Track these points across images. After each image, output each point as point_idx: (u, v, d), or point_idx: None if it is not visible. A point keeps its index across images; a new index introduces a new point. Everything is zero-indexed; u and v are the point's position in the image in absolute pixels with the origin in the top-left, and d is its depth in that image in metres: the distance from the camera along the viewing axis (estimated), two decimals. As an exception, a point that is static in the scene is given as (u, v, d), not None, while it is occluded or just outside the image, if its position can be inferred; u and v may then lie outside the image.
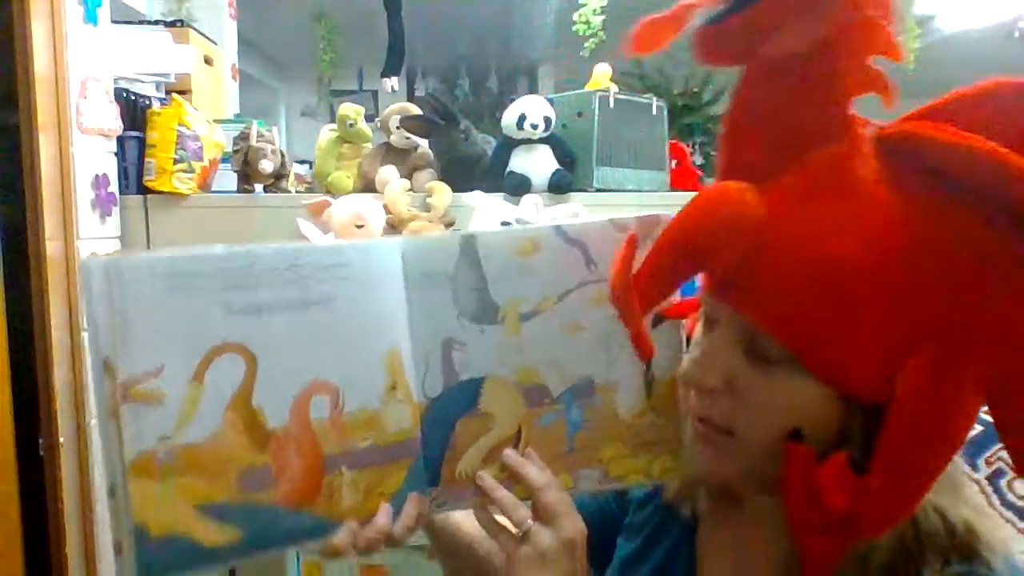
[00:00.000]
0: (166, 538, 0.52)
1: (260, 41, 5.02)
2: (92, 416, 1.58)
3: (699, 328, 0.58)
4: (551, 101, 1.88)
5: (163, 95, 1.94)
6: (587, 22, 2.60)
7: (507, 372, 0.63)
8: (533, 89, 6.02)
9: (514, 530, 0.59)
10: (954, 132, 0.44)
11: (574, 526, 0.59)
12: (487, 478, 0.62)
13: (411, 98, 5.69)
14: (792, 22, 0.44)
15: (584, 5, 2.61)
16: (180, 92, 1.89)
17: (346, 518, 0.58)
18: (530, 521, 0.59)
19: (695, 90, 3.81)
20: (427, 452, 0.62)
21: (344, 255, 0.58)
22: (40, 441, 1.53)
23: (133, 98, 1.83)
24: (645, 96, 1.97)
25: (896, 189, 0.46)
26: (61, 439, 1.53)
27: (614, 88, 1.92)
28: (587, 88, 1.94)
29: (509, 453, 0.62)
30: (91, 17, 1.59)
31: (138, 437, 0.51)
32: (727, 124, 0.51)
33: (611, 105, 1.86)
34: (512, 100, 1.87)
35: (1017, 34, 4.09)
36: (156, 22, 2.10)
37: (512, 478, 0.62)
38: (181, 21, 2.15)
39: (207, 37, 2.22)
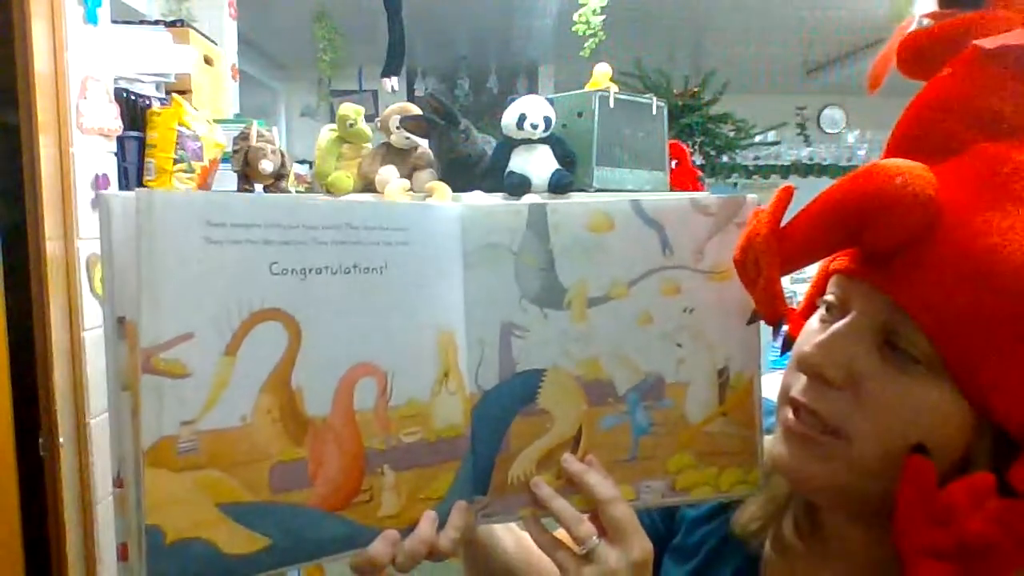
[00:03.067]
0: (183, 543, 0.44)
1: (260, 41, 5.02)
2: (92, 416, 1.58)
3: (817, 316, 0.53)
4: (551, 101, 1.87)
5: (163, 95, 1.94)
6: (587, 22, 2.60)
7: (570, 364, 0.57)
8: (533, 89, 6.02)
9: (576, 548, 0.53)
10: None
11: (642, 546, 0.53)
12: (544, 486, 0.55)
13: (411, 98, 5.70)
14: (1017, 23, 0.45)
15: (584, 5, 2.61)
16: (180, 92, 1.89)
17: (385, 526, 0.51)
18: (595, 539, 0.52)
19: (695, 90, 3.82)
20: (477, 453, 0.55)
21: (402, 216, 0.51)
22: (40, 441, 1.53)
23: (133, 98, 1.83)
24: (645, 96, 1.97)
25: None
26: (61, 439, 1.53)
27: (614, 88, 1.92)
28: (587, 88, 1.94)
29: (569, 459, 0.56)
30: (91, 17, 1.59)
31: (158, 420, 0.43)
32: (914, 104, 0.49)
33: (611, 105, 1.86)
34: (512, 100, 1.87)
35: (1017, 34, 4.08)
36: (156, 22, 2.10)
37: (571, 487, 0.56)
38: (181, 21, 2.16)
39: (207, 37, 2.22)
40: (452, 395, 0.54)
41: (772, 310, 0.52)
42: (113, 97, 1.68)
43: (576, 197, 1.82)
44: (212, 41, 2.26)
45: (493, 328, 0.55)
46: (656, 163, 1.94)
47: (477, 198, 1.77)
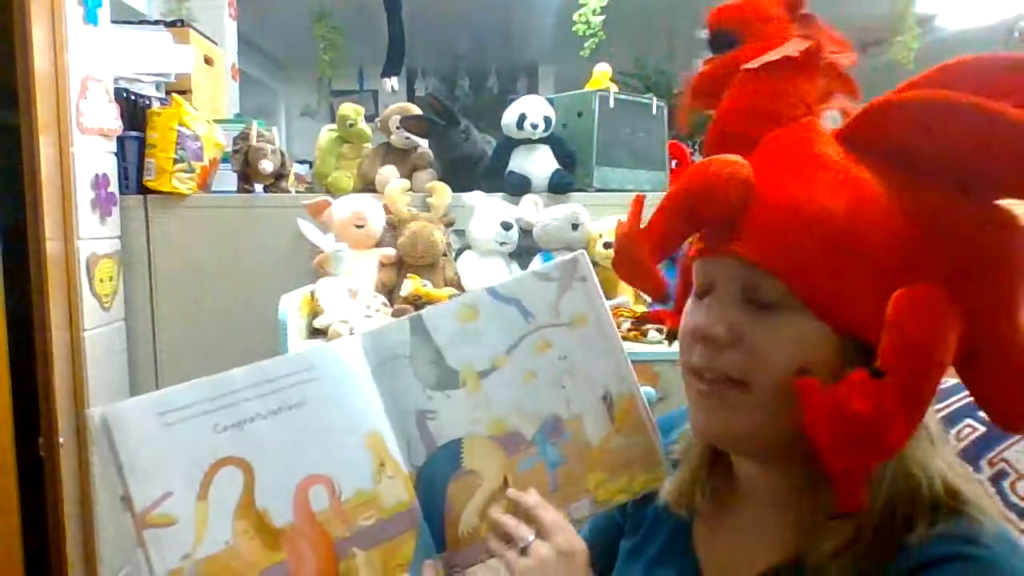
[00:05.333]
0: None
1: (260, 41, 5.02)
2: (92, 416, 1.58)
3: (690, 302, 0.63)
4: (551, 101, 1.87)
5: (163, 95, 1.94)
6: (587, 22, 2.60)
7: (480, 428, 0.68)
8: (533, 89, 6.02)
9: (517, 546, 0.63)
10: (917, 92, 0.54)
11: (569, 540, 0.63)
12: (496, 511, 0.66)
13: (411, 98, 5.69)
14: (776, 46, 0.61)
15: (584, 5, 2.61)
16: (180, 92, 1.89)
17: None
18: (530, 537, 0.63)
19: (695, 90, 3.82)
20: (428, 518, 0.66)
21: (306, 362, 0.64)
22: (40, 441, 1.53)
23: (133, 98, 1.83)
24: (645, 96, 1.97)
25: (864, 168, 0.56)
26: (61, 439, 1.53)
27: (614, 88, 1.92)
28: (587, 88, 1.94)
29: (511, 491, 0.66)
30: (91, 17, 1.59)
31: (163, 559, 0.57)
32: (715, 120, 0.63)
33: (611, 105, 1.86)
34: (512, 100, 1.87)
35: (1017, 34, 4.08)
36: (156, 22, 2.10)
37: (516, 513, 0.66)
38: (181, 21, 2.15)
39: (207, 37, 2.22)
40: (392, 478, 0.65)
41: (656, 289, 0.60)
42: (113, 97, 1.68)
43: (576, 197, 1.83)
44: (212, 41, 2.26)
45: (411, 418, 0.67)
46: (656, 163, 1.94)
47: (477, 197, 1.77)
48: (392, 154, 1.87)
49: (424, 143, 1.90)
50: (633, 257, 0.59)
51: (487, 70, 6.05)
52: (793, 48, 0.59)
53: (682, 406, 0.79)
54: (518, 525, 0.64)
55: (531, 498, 0.65)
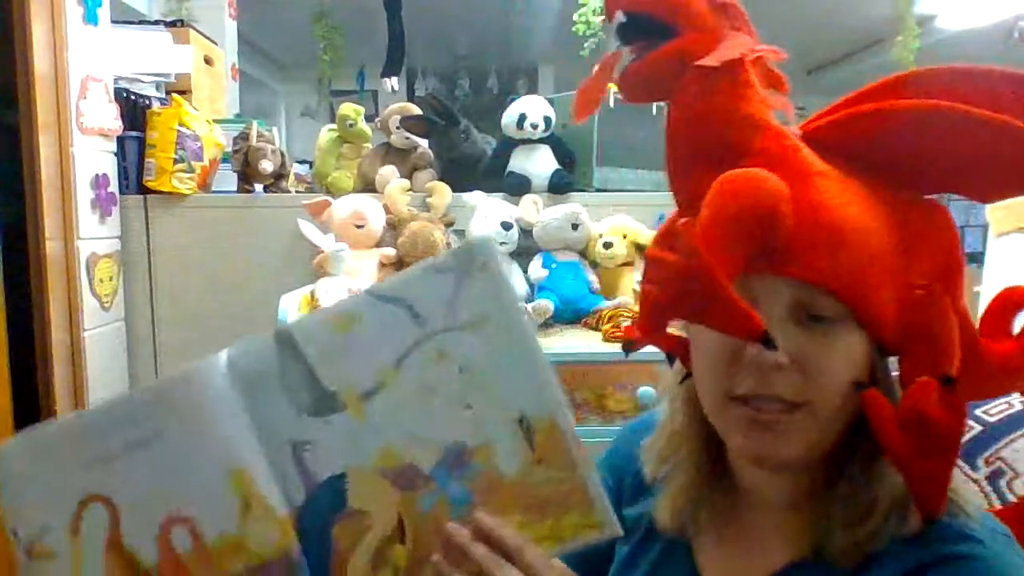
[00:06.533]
0: None
1: (260, 41, 5.02)
2: None
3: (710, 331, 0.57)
4: (551, 101, 1.88)
5: (163, 95, 1.94)
6: (587, 22, 2.60)
7: (366, 460, 0.57)
8: (533, 89, 6.02)
9: None
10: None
11: None
12: (460, 533, 0.55)
13: (411, 98, 5.69)
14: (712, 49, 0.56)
15: (584, 5, 2.61)
16: (180, 92, 1.89)
17: None
18: None
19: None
20: (312, 565, 0.57)
21: (163, 387, 0.58)
22: (40, 441, 1.53)
23: (133, 98, 1.83)
24: (645, 96, 1.97)
25: (844, 173, 0.56)
26: (61, 439, 1.53)
27: (614, 88, 1.93)
28: (587, 88, 1.94)
29: (482, 516, 0.55)
30: (91, 17, 1.59)
31: None
32: (674, 126, 0.58)
33: (611, 105, 1.86)
34: (512, 100, 1.87)
35: (1017, 34, 4.08)
36: (156, 22, 2.10)
37: (462, 550, 0.55)
38: (181, 21, 2.16)
39: (207, 37, 2.22)
40: (261, 521, 0.57)
41: (750, 324, 0.51)
42: (113, 97, 1.68)
43: (576, 197, 1.83)
44: (212, 41, 2.26)
45: (285, 450, 0.57)
46: (656, 163, 1.93)
47: (477, 197, 1.77)
48: (392, 154, 1.87)
49: (424, 143, 1.90)
50: (715, 292, 0.50)
51: (487, 70, 6.05)
52: (746, 46, 0.56)
53: (631, 423, 0.77)
54: (501, 565, 0.53)
55: (512, 535, 0.54)
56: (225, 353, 0.58)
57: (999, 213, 1.64)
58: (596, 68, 0.64)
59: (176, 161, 1.73)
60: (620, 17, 0.58)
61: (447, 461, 0.57)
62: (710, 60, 0.54)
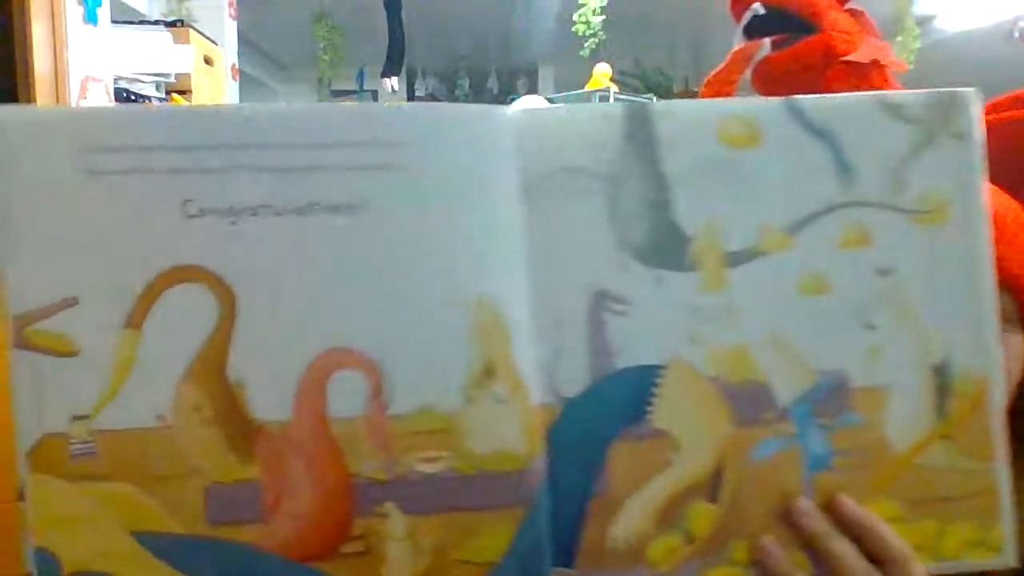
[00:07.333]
0: None
1: (260, 41, 5.02)
2: None
3: None
4: (551, 101, 1.88)
5: (163, 95, 1.94)
6: (587, 22, 2.60)
7: (701, 358, 0.37)
8: (533, 89, 6.02)
9: None
10: None
11: None
12: (813, 513, 0.38)
13: (411, 98, 5.70)
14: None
15: (584, 5, 2.61)
16: (180, 92, 1.89)
17: None
18: None
19: (695, 89, 3.82)
20: (557, 498, 0.36)
21: (394, 124, 0.35)
22: (40, 441, 1.52)
23: (133, 98, 1.83)
24: (645, 96, 1.97)
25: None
26: (61, 439, 1.53)
27: (614, 88, 1.93)
28: (587, 88, 1.94)
29: (847, 500, 0.38)
30: (91, 17, 1.59)
31: (39, 412, 0.33)
32: None
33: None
34: (512, 100, 1.87)
35: (1017, 34, 4.09)
36: (156, 22, 2.10)
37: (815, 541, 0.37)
38: (181, 21, 2.16)
39: (207, 37, 2.22)
40: (502, 404, 0.35)
41: None
42: (113, 97, 1.68)
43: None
44: (212, 41, 2.26)
45: (577, 300, 0.36)
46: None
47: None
48: (392, 154, 1.88)
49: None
50: None
51: (487, 70, 6.06)
52: (883, 49, 0.57)
53: None
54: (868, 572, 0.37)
55: (899, 543, 0.38)
56: (511, 114, 0.36)
57: None
58: (728, 58, 0.61)
59: (176, 161, 1.73)
60: (758, 9, 0.59)
61: (816, 396, 0.38)
62: (859, 56, 0.55)
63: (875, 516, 0.39)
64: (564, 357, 0.36)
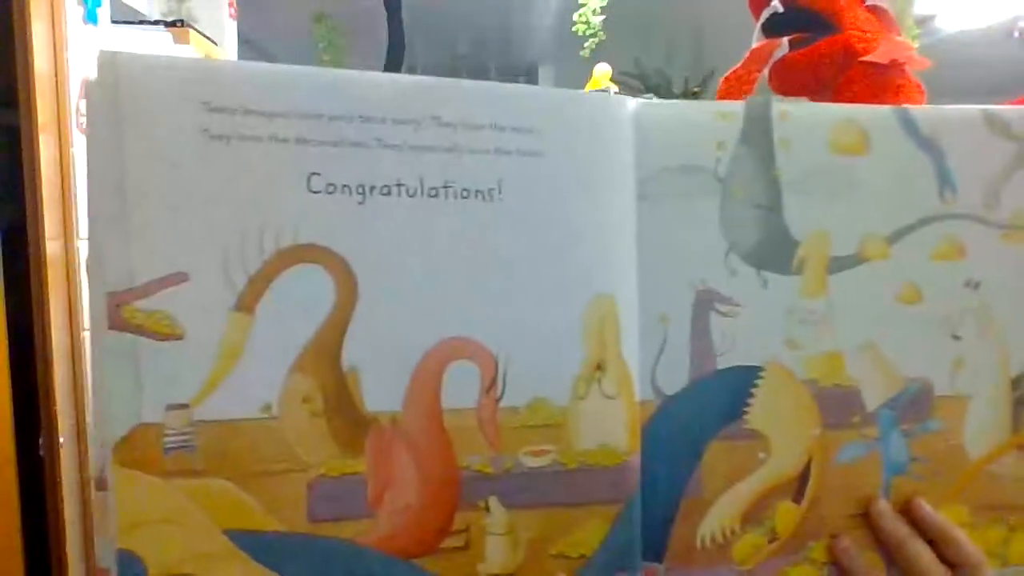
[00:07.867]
0: None
1: (260, 41, 5.01)
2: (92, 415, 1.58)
3: None
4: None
5: (163, 95, 1.94)
6: (587, 22, 2.60)
7: (796, 361, 0.38)
8: (533, 89, 6.02)
9: None
10: None
11: None
12: (890, 515, 0.39)
13: (411, 98, 5.69)
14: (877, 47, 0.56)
15: (584, 5, 2.61)
16: (180, 92, 1.89)
17: None
18: None
19: (695, 90, 3.82)
20: (650, 495, 0.36)
21: (531, 109, 0.34)
22: (40, 441, 1.52)
23: (133, 98, 1.83)
24: (645, 96, 1.97)
25: None
26: (61, 439, 1.53)
27: (614, 88, 1.92)
28: (587, 88, 1.94)
29: (923, 505, 0.39)
30: (91, 17, 1.59)
31: (132, 400, 0.30)
32: None
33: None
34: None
35: (1017, 34, 4.09)
36: (156, 22, 2.10)
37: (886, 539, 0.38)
38: (181, 21, 2.16)
39: (207, 37, 2.22)
40: (610, 400, 0.35)
41: None
42: (113, 97, 1.68)
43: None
44: (212, 41, 2.26)
45: (683, 298, 0.36)
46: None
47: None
48: (392, 154, 1.87)
49: (424, 143, 1.90)
50: None
51: (487, 70, 6.05)
52: (905, 49, 0.56)
53: None
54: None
55: (974, 550, 0.38)
56: (632, 104, 0.36)
57: None
58: (746, 56, 0.60)
59: (176, 161, 1.73)
60: (777, 7, 0.58)
61: (901, 402, 0.39)
62: (879, 56, 0.54)
63: (950, 521, 0.39)
64: (667, 354, 0.36)
